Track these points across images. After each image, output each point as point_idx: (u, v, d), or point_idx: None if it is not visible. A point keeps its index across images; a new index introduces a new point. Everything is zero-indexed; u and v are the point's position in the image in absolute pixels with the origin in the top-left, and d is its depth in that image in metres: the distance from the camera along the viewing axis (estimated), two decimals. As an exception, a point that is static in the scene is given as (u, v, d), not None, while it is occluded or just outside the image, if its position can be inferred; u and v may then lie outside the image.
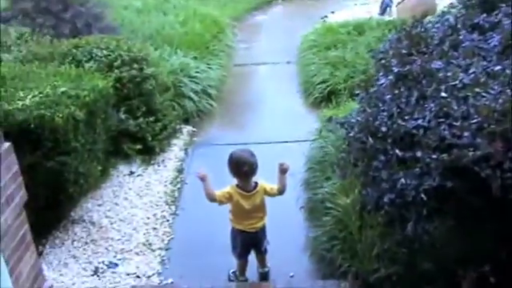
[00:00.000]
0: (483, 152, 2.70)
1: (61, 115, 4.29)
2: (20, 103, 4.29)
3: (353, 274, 4.00)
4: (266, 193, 4.05)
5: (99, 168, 5.10)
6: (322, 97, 7.17)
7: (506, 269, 3.03)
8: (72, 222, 4.98)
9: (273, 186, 4.04)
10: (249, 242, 4.18)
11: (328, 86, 7.19)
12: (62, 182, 4.47)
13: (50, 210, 4.56)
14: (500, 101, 2.85)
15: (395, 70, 3.57)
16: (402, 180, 2.98)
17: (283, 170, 4.01)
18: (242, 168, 3.93)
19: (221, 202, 4.03)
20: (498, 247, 3.04)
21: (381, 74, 3.79)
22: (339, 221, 4.33)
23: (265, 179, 4.10)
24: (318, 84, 7.36)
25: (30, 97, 4.39)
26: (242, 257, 4.27)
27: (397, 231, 3.38)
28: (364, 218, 4.02)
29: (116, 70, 5.83)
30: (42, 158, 4.28)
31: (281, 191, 4.05)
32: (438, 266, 3.46)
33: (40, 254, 4.45)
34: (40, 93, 4.48)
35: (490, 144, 2.71)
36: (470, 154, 2.72)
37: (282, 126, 6.79)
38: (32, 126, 4.18)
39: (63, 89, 4.62)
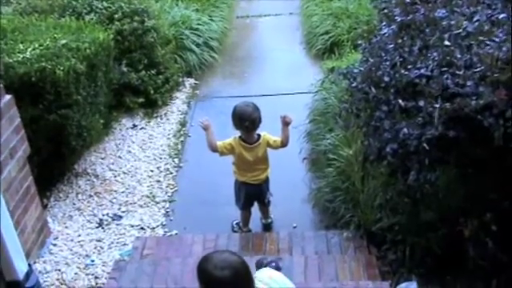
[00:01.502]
0: (486, 101, 2.67)
1: (62, 68, 4.26)
2: (20, 56, 4.25)
3: (355, 224, 4.04)
4: (269, 145, 4.05)
5: (101, 121, 5.10)
6: (325, 48, 7.08)
7: (507, 217, 3.05)
8: (76, 176, 5.01)
9: (276, 138, 4.04)
10: (252, 194, 4.21)
11: (331, 38, 7.09)
12: (65, 135, 4.48)
13: (54, 163, 4.59)
14: (504, 49, 2.81)
15: (398, 19, 3.51)
16: (405, 130, 2.96)
17: (286, 123, 4.00)
18: (244, 122, 3.93)
19: (222, 153, 4.04)
20: (500, 196, 3.05)
21: (383, 23, 3.73)
22: (342, 172, 4.34)
23: (268, 131, 4.09)
24: (321, 35, 7.25)
25: (30, 49, 4.35)
26: (246, 208, 4.31)
27: (399, 181, 3.39)
28: (366, 169, 4.03)
29: (117, 23, 5.76)
30: (43, 111, 4.27)
31: (284, 143, 4.04)
32: (440, 214, 3.49)
33: (44, 206, 4.50)
34: (40, 45, 4.43)
35: (493, 92, 2.68)
36: (473, 102, 2.70)
37: (284, 78, 6.74)
38: (33, 78, 4.15)
39: (63, 41, 4.57)
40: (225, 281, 2.22)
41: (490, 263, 3.23)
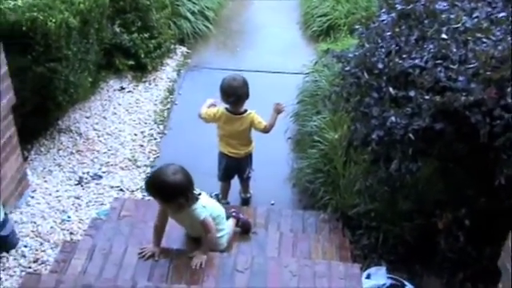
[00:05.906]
0: (476, 97, 2.70)
1: (54, 20, 4.18)
2: (12, 3, 4.16)
3: (333, 206, 4.08)
4: (253, 124, 4.04)
5: (90, 79, 5.04)
6: (321, 30, 7.02)
7: (480, 214, 3.11)
8: (59, 131, 4.97)
9: (262, 120, 4.02)
10: (230, 167, 4.23)
11: (328, 20, 7.03)
12: (51, 89, 4.43)
13: (38, 116, 4.54)
14: (499, 48, 2.83)
15: (398, 7, 3.51)
16: (393, 118, 2.98)
17: (278, 110, 4.00)
18: (229, 97, 3.94)
19: (205, 120, 4.07)
20: (477, 193, 3.10)
21: (383, 10, 3.72)
22: (325, 155, 4.37)
23: (252, 108, 4.07)
24: (319, 17, 7.19)
25: (22, -3, 4.27)
26: (224, 180, 4.33)
27: (381, 169, 3.42)
28: (349, 154, 4.06)
29: (113, -19, 5.67)
30: (32, 62, 4.20)
31: (267, 129, 4.03)
32: (417, 205, 3.54)
33: (25, 159, 4.46)
34: (33, -6, 4.35)
35: (483, 90, 2.71)
36: (463, 98, 2.72)
37: (277, 56, 6.69)
38: (24, 28, 4.07)
39: (58, -7, 4.49)
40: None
41: (459, 256, 3.30)
